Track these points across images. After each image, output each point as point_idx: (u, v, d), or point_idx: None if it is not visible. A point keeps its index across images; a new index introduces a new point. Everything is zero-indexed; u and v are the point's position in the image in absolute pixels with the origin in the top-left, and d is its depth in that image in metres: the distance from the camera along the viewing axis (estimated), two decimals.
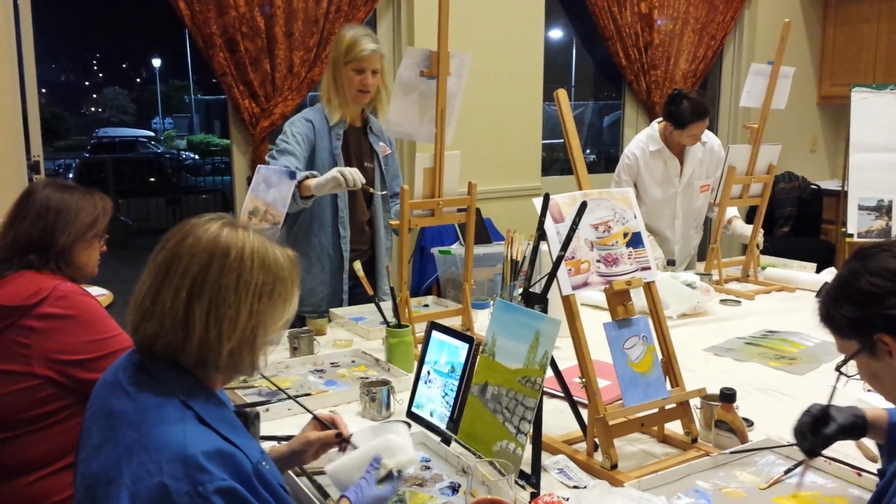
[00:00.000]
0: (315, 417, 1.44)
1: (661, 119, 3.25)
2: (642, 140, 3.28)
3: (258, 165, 2.27)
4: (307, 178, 2.35)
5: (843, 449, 1.52)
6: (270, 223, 2.06)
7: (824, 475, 1.49)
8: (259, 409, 1.70)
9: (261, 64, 3.57)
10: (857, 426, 1.36)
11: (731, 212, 3.29)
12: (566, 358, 1.66)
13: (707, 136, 3.28)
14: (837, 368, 1.25)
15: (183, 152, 13.97)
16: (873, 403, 1.74)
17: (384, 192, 2.66)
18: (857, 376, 1.25)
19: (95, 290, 3.02)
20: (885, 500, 1.06)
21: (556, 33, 5.26)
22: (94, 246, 1.86)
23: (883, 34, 5.36)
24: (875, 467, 1.44)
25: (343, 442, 1.42)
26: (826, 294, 1.24)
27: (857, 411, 1.37)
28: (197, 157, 13.48)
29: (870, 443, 1.53)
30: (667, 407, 1.64)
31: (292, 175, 2.10)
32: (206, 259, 1.11)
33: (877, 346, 1.15)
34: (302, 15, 3.61)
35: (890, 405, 1.27)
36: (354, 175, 2.27)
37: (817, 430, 1.35)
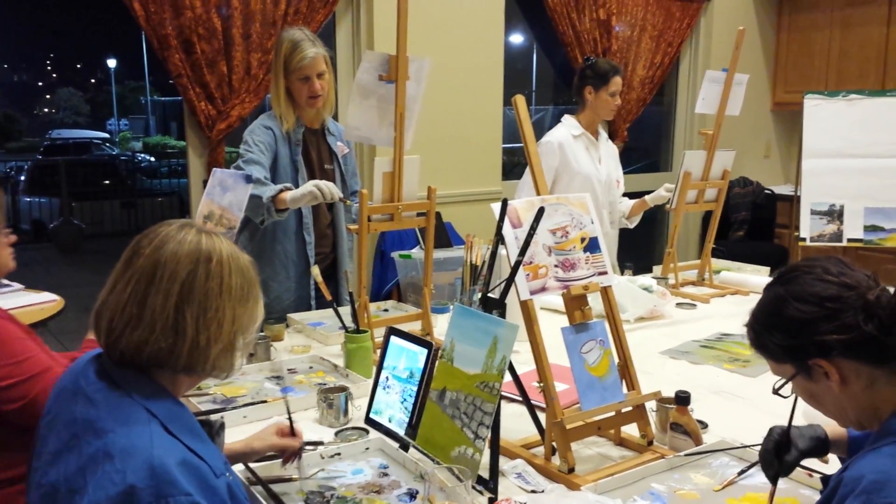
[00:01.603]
0: (291, 425, 1.50)
1: (569, 115, 3.27)
2: (562, 129, 3.23)
3: (213, 168, 2.24)
4: (282, 191, 2.33)
5: None
6: (226, 227, 2.03)
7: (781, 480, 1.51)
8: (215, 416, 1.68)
9: (217, 66, 3.52)
10: (818, 447, 1.36)
11: (627, 204, 3.34)
12: (525, 362, 1.67)
13: (603, 133, 3.32)
14: (775, 391, 1.24)
15: (138, 154, 13.72)
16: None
17: (355, 203, 2.65)
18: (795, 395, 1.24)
19: (44, 296, 2.95)
20: None
21: (517, 38, 5.29)
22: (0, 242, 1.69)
23: (835, 42, 5.50)
24: (825, 468, 1.47)
25: (296, 456, 1.49)
26: (755, 321, 1.23)
27: (818, 432, 1.36)
28: (153, 159, 13.25)
29: None
30: (623, 410, 1.66)
31: (248, 179, 2.08)
32: (191, 265, 1.11)
33: (812, 369, 1.15)
34: (260, 17, 3.58)
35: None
36: (332, 189, 2.27)
37: (780, 456, 1.34)
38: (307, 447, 1.55)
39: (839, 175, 3.81)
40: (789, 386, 1.22)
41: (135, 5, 3.31)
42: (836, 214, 3.83)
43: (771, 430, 1.36)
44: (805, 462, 1.49)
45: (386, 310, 2.75)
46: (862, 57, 5.35)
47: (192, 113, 3.56)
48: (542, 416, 1.61)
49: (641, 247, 5.56)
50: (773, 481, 1.36)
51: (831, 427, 1.37)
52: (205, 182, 2.24)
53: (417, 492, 1.45)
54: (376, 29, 3.92)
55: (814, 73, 5.62)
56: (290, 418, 1.52)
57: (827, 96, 3.91)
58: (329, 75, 2.55)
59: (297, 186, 2.48)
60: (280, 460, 1.52)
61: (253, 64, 3.60)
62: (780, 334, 1.17)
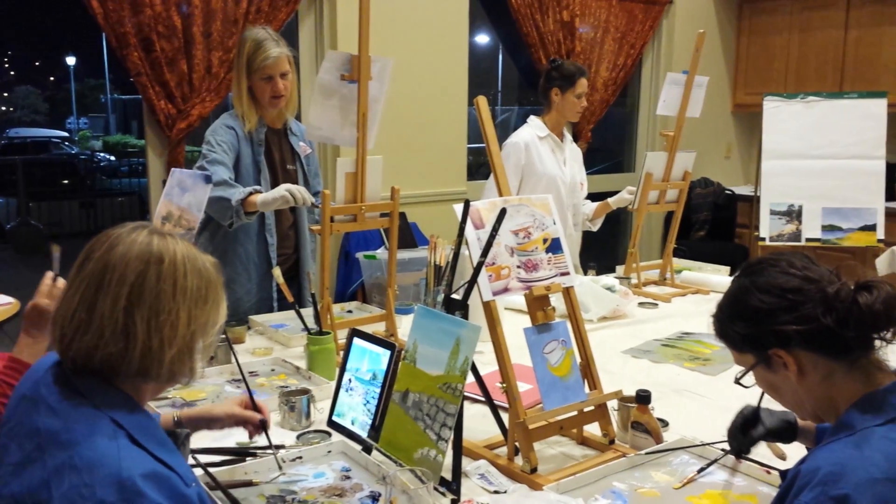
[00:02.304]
0: (250, 397, 1.51)
1: (535, 116, 3.28)
2: (528, 130, 3.24)
3: (172, 169, 2.21)
4: (252, 193, 2.31)
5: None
6: (185, 228, 2.00)
7: (734, 473, 1.53)
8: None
9: (177, 64, 3.47)
10: (786, 430, 1.39)
11: (591, 206, 3.37)
12: (489, 362, 1.67)
13: (568, 136, 3.35)
14: (737, 380, 1.26)
15: (98, 153, 13.48)
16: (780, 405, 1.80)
17: (318, 205, 2.63)
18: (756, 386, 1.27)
19: (0, 299, 2.88)
20: (787, 502, 1.09)
21: (483, 39, 5.29)
22: None
23: (794, 45, 5.60)
24: (783, 465, 1.50)
25: (260, 429, 1.50)
26: (719, 311, 1.26)
27: (788, 416, 1.39)
28: (113, 158, 13.03)
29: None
30: (585, 410, 1.67)
31: (208, 179, 2.05)
32: (141, 266, 1.08)
33: (772, 359, 1.18)
34: (221, 15, 3.54)
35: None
36: (304, 195, 2.25)
37: (746, 432, 1.38)
38: (268, 450, 1.53)
39: (797, 176, 3.88)
40: (750, 377, 1.25)
41: (93, 3, 3.25)
42: (794, 214, 3.90)
43: (743, 407, 1.41)
44: (763, 460, 1.51)
45: (350, 311, 2.73)
46: (820, 60, 5.46)
47: (151, 112, 3.51)
48: (505, 417, 1.61)
49: (605, 247, 5.61)
50: (737, 456, 1.40)
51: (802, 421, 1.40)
52: (164, 182, 2.21)
53: (380, 494, 1.44)
54: (340, 28, 3.90)
55: (773, 76, 5.72)
56: (249, 392, 1.52)
57: (786, 98, 3.98)
58: (292, 75, 2.53)
59: (257, 185, 2.47)
60: (242, 464, 1.50)
61: (214, 62, 3.55)
62: (742, 323, 1.20)
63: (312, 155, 2.75)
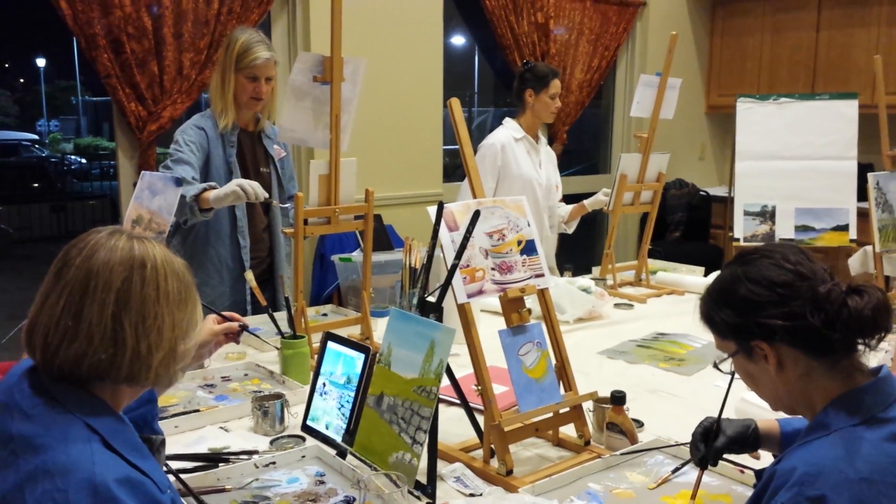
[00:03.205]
0: (218, 314, 1.56)
1: (510, 118, 3.28)
2: (504, 132, 3.25)
3: (142, 172, 2.18)
4: (206, 190, 2.27)
5: None
6: (155, 232, 1.97)
7: (709, 473, 1.54)
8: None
9: (148, 66, 3.43)
10: (748, 437, 1.38)
11: (566, 209, 3.38)
12: (465, 365, 1.66)
13: (543, 138, 3.36)
14: (715, 365, 1.29)
15: (69, 156, 13.28)
16: (756, 404, 1.81)
17: (286, 206, 2.60)
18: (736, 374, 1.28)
19: None
20: (764, 502, 1.09)
21: (458, 40, 5.29)
22: None
23: (767, 46, 5.66)
24: (758, 464, 1.50)
25: (244, 329, 1.57)
26: (708, 295, 1.26)
27: (748, 423, 1.40)
28: (84, 161, 12.84)
29: None
30: (561, 411, 1.66)
31: (178, 182, 2.03)
32: (126, 272, 1.07)
33: (754, 350, 1.18)
34: (192, 16, 3.50)
35: (781, 415, 1.32)
36: (255, 189, 2.22)
37: (709, 442, 1.38)
38: (241, 457, 1.52)
39: (771, 176, 3.91)
40: (729, 364, 1.26)
41: (61, 4, 3.19)
42: (768, 215, 3.93)
43: (704, 419, 1.41)
44: (737, 459, 1.52)
45: (325, 314, 2.71)
46: (792, 61, 5.52)
47: (121, 114, 3.46)
48: (480, 419, 1.60)
49: (581, 248, 5.63)
50: (701, 466, 1.39)
51: (764, 422, 1.40)
52: (135, 185, 2.17)
53: (354, 499, 1.43)
54: (313, 29, 3.87)
55: (746, 77, 5.78)
56: (216, 313, 1.57)
57: (759, 100, 4.01)
58: (275, 82, 2.53)
59: (213, 183, 2.44)
60: (215, 470, 1.49)
61: (185, 64, 3.51)
62: (728, 311, 1.20)
63: (287, 158, 2.73)
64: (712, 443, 1.37)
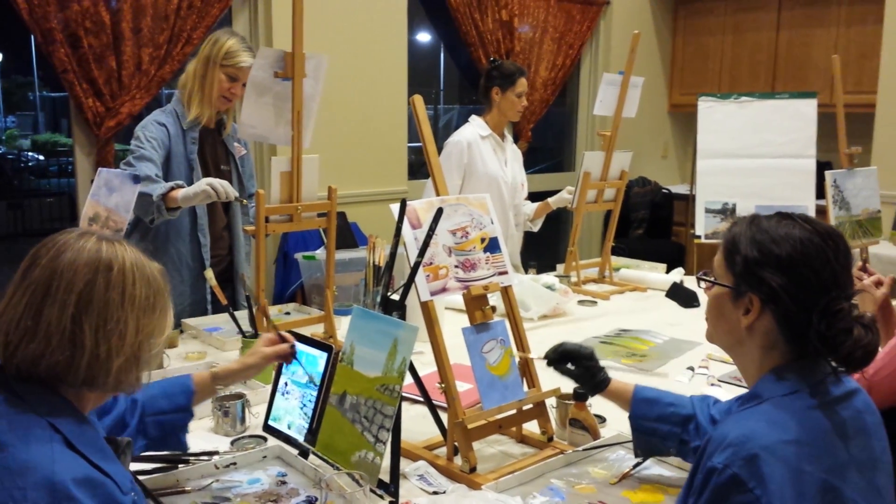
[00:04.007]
0: (277, 332, 1.54)
1: (476, 115, 3.29)
2: (470, 129, 3.25)
3: (99, 168, 2.14)
4: (173, 188, 2.24)
5: None
6: (113, 230, 1.93)
7: (669, 467, 1.56)
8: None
9: (106, 61, 3.37)
10: (593, 370, 1.56)
11: (531, 206, 3.40)
12: (430, 363, 1.65)
13: (509, 136, 3.38)
14: (699, 277, 1.28)
15: (26, 153, 12.99)
16: (720, 398, 1.83)
17: (252, 205, 2.58)
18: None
19: None
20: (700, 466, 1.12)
21: (424, 37, 5.28)
22: None
23: (728, 46, 5.73)
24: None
25: (293, 357, 1.54)
26: (751, 226, 1.20)
27: (607, 375, 1.57)
28: (42, 157, 12.56)
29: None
30: (524, 408, 1.67)
31: (136, 179, 1.99)
32: (90, 274, 1.06)
33: (743, 297, 1.18)
34: (151, 11, 3.44)
35: (640, 384, 1.53)
36: (227, 188, 2.20)
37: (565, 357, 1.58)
38: (202, 457, 1.49)
39: (731, 174, 3.96)
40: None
41: None
42: (728, 212, 3.98)
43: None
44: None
45: (288, 313, 2.69)
46: (753, 61, 5.60)
47: (79, 110, 3.39)
48: (444, 417, 1.60)
49: (546, 246, 5.65)
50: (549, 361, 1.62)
51: (619, 382, 1.58)
52: (93, 182, 2.13)
53: (316, 499, 1.41)
54: (275, 25, 3.84)
55: (708, 77, 5.85)
56: (274, 327, 1.53)
57: (719, 99, 4.06)
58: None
59: (191, 185, 2.41)
60: (175, 471, 1.47)
61: (144, 59, 3.46)
62: (757, 254, 1.16)
63: (247, 156, 2.70)
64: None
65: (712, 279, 1.25)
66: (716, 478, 1.06)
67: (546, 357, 1.61)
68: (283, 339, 1.52)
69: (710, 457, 1.09)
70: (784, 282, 1.13)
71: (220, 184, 2.19)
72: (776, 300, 1.14)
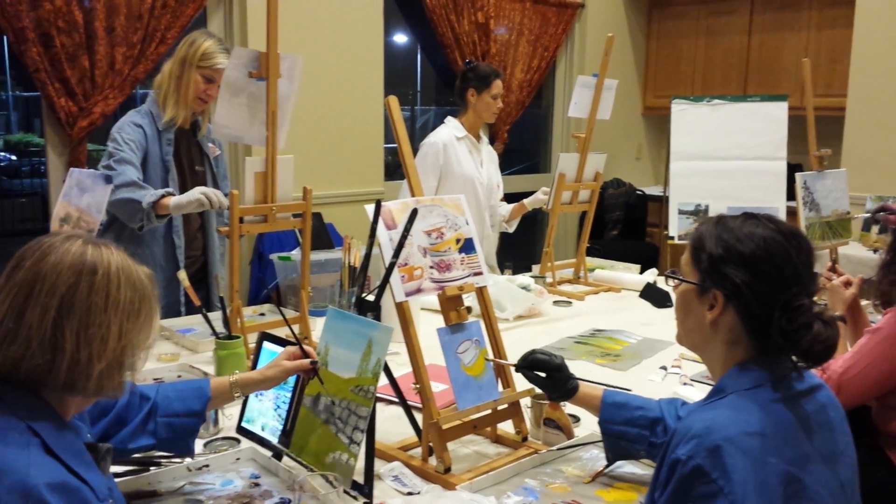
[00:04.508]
0: (300, 347, 1.48)
1: (452, 117, 3.30)
2: (446, 130, 3.25)
3: (71, 168, 2.11)
4: (165, 196, 2.25)
5: None
6: (85, 231, 1.92)
7: (642, 466, 1.57)
8: None
9: (79, 60, 3.33)
10: (562, 379, 1.55)
11: (507, 208, 3.41)
12: (406, 363, 1.65)
13: (485, 137, 3.39)
14: (666, 275, 1.33)
15: None
16: (689, 398, 1.86)
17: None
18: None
19: None
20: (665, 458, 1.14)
21: (401, 38, 5.28)
22: None
23: (701, 49, 5.79)
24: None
25: (313, 373, 1.47)
26: (722, 224, 1.24)
27: (577, 383, 1.56)
28: (14, 157, 12.40)
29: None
30: (499, 408, 1.67)
31: (108, 179, 1.97)
32: (73, 277, 1.05)
33: (708, 293, 1.21)
34: (125, 10, 3.41)
35: (609, 389, 1.54)
36: (220, 198, 2.21)
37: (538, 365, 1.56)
38: (174, 460, 1.48)
39: (704, 176, 4.00)
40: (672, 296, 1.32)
41: None
42: (701, 214, 4.02)
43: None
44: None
45: (262, 314, 2.67)
46: (725, 64, 5.67)
47: (51, 109, 3.35)
48: (419, 417, 1.60)
49: (521, 247, 5.67)
50: (517, 368, 1.61)
51: (589, 387, 1.57)
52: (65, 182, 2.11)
53: (290, 501, 1.41)
54: (250, 25, 3.82)
55: (681, 79, 5.91)
56: (297, 340, 1.49)
57: (692, 101, 4.10)
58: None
59: (166, 186, 2.41)
60: (146, 474, 1.46)
61: (117, 59, 3.43)
62: (722, 251, 1.20)
63: (221, 157, 2.70)
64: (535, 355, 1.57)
65: (680, 277, 1.28)
66: (680, 469, 1.09)
67: (516, 366, 1.61)
68: (305, 354, 1.49)
69: (674, 449, 1.12)
70: (747, 278, 1.17)
71: (214, 193, 2.21)
72: (739, 296, 1.18)
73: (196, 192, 2.20)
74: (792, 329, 1.15)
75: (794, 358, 1.20)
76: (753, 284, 1.17)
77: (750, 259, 1.18)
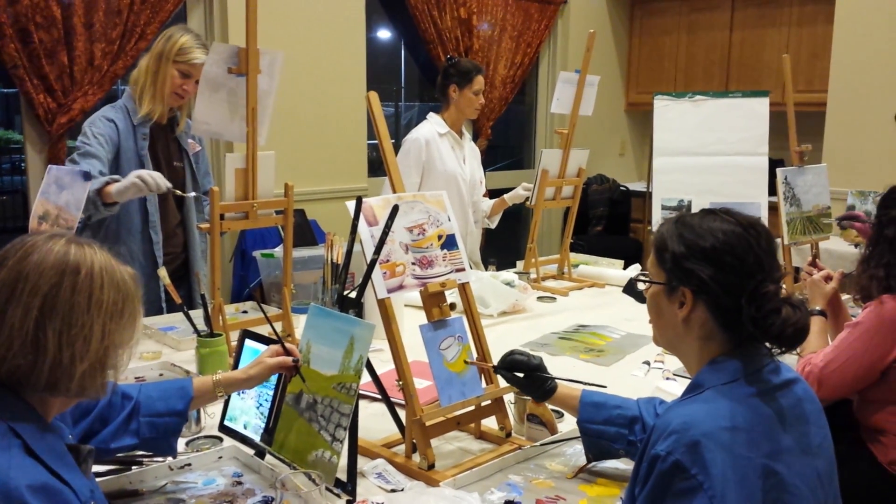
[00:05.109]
0: (282, 344, 1.48)
1: (434, 113, 3.29)
2: (428, 127, 3.24)
3: (49, 166, 2.09)
4: (108, 183, 2.20)
5: None
6: (63, 228, 1.89)
7: (625, 462, 1.57)
8: None
9: (57, 56, 3.30)
10: (540, 380, 1.55)
11: (488, 203, 3.42)
12: (389, 360, 1.65)
13: (467, 133, 3.39)
14: (634, 279, 1.35)
15: None
16: (672, 392, 1.86)
17: (194, 194, 2.54)
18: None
19: None
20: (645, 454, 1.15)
21: (385, 34, 5.27)
22: None
23: (683, 46, 5.81)
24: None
25: (295, 371, 1.46)
26: (681, 223, 1.26)
27: (555, 384, 1.57)
28: None
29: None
30: (482, 404, 1.67)
31: (87, 176, 1.95)
32: (56, 277, 1.04)
33: (676, 291, 1.23)
34: (104, 5, 3.38)
35: (587, 389, 1.55)
36: (157, 179, 2.16)
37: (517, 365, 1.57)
38: (156, 459, 1.47)
39: (686, 172, 4.01)
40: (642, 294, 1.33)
41: None
42: (684, 209, 4.04)
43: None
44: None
45: (245, 311, 2.66)
46: (707, 60, 5.69)
47: (29, 106, 3.32)
48: (403, 414, 1.60)
49: (506, 243, 5.68)
50: (495, 370, 1.62)
51: (567, 387, 1.57)
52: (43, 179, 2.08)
53: (272, 499, 1.40)
54: (230, 20, 3.79)
55: (663, 76, 5.93)
56: (278, 338, 1.48)
57: (675, 97, 4.11)
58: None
59: (116, 176, 2.38)
60: (127, 473, 1.44)
61: (97, 54, 3.39)
62: (683, 249, 1.22)
63: (202, 153, 2.67)
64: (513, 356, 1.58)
65: (648, 279, 1.30)
66: (659, 465, 1.10)
67: (495, 367, 1.61)
68: (287, 352, 1.48)
69: (653, 445, 1.12)
70: (712, 272, 1.19)
71: (150, 175, 2.16)
72: (706, 290, 1.19)
73: (132, 176, 2.17)
74: (761, 316, 1.17)
75: (768, 346, 1.21)
76: (718, 277, 1.19)
77: (712, 253, 1.20)
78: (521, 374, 1.58)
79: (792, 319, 1.17)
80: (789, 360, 1.66)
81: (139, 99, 2.46)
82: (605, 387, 1.59)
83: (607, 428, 1.50)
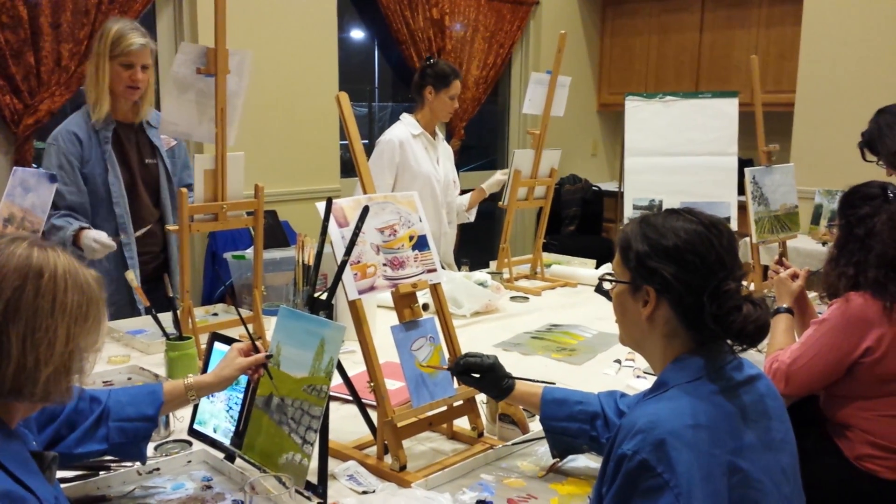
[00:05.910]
0: (252, 343, 1.47)
1: (408, 114, 3.30)
2: (401, 128, 3.23)
3: (14, 167, 2.06)
4: (81, 229, 2.32)
5: None
6: (29, 230, 1.87)
7: (596, 459, 1.58)
8: None
9: (24, 56, 3.25)
10: (496, 379, 1.55)
11: (465, 197, 3.43)
12: (362, 362, 1.64)
13: (440, 134, 3.40)
14: (600, 279, 1.36)
15: None
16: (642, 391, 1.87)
17: (149, 228, 2.59)
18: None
19: None
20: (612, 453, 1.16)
21: (358, 34, 5.25)
22: None
23: (653, 47, 5.86)
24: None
25: (264, 369, 1.46)
26: (645, 223, 1.27)
27: (512, 382, 1.57)
28: None
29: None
30: (454, 404, 1.67)
31: (52, 178, 1.93)
32: (19, 281, 1.02)
33: (640, 290, 1.25)
34: (71, 5, 3.34)
35: (548, 386, 1.56)
36: (104, 242, 2.30)
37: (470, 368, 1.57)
38: (124, 463, 1.45)
39: (658, 172, 4.04)
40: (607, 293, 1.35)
41: None
42: (655, 209, 4.07)
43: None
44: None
45: (216, 314, 2.64)
46: (678, 61, 5.75)
47: None
48: (374, 416, 1.59)
49: (479, 243, 5.69)
50: (452, 372, 1.61)
51: (527, 385, 1.58)
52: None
53: (242, 502, 1.39)
54: (200, 20, 3.76)
55: (634, 76, 5.97)
56: (250, 336, 1.47)
57: (646, 98, 4.14)
58: (151, 70, 2.44)
59: (109, 186, 2.39)
60: (95, 478, 1.43)
61: (64, 55, 3.34)
62: (646, 248, 1.24)
63: (180, 145, 2.64)
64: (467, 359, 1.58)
65: (613, 279, 1.31)
66: (626, 464, 1.11)
67: (451, 370, 1.62)
68: (256, 349, 1.47)
69: (619, 444, 1.13)
70: (674, 270, 1.21)
71: (96, 241, 2.30)
72: (669, 288, 1.21)
73: (89, 242, 2.30)
74: (722, 313, 1.19)
75: (730, 343, 1.23)
76: (681, 275, 1.20)
77: (674, 251, 1.22)
78: (476, 375, 1.57)
79: (753, 316, 1.19)
80: (756, 359, 1.68)
81: (93, 105, 2.42)
82: (553, 383, 1.61)
83: (570, 424, 1.51)
